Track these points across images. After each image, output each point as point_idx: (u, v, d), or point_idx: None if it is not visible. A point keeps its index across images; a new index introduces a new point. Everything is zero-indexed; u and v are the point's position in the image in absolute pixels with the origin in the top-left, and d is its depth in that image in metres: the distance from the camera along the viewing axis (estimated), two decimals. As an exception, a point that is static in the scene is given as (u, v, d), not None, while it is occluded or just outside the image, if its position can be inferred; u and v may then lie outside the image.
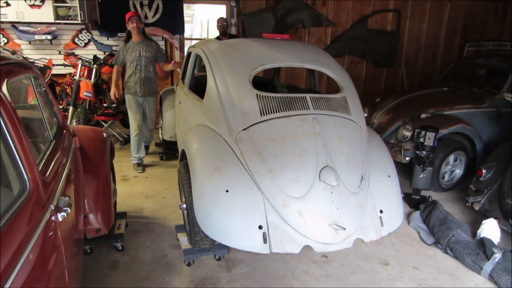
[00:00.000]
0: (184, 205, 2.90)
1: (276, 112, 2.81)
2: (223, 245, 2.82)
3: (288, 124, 2.76)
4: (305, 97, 2.95)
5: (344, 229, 2.47)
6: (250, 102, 2.85)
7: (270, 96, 2.90)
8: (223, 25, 6.08)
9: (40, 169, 1.51)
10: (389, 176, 2.92)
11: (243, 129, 2.76)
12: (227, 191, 2.52)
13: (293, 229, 2.48)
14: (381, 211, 2.72)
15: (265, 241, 2.43)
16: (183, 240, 3.10)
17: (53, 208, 1.47)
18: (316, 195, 2.50)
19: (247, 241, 2.45)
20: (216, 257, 2.98)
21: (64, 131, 2.30)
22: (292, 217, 2.47)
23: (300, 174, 2.55)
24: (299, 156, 2.61)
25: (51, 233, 1.39)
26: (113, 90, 4.68)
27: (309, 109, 2.86)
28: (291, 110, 2.83)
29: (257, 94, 2.88)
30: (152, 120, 5.01)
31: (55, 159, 1.80)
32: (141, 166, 4.87)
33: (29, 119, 2.04)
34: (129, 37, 4.58)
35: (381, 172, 2.91)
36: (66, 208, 1.52)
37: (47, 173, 1.60)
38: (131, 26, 4.49)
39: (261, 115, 2.79)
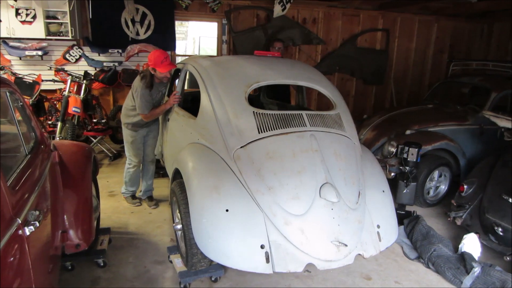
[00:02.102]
0: (179, 226, 2.80)
1: (274, 129, 2.77)
2: (219, 266, 2.77)
3: (286, 141, 2.72)
4: (301, 114, 2.92)
5: (346, 245, 2.45)
6: (247, 119, 2.81)
7: (267, 113, 2.86)
8: (279, 49, 5.19)
9: (9, 183, 1.52)
10: (383, 191, 2.93)
11: (241, 147, 2.71)
12: (227, 210, 2.44)
13: (295, 247, 2.43)
14: (378, 226, 2.72)
15: (267, 260, 2.36)
16: (177, 262, 2.96)
17: (20, 222, 1.47)
18: (317, 212, 2.47)
19: (249, 261, 2.38)
20: (212, 279, 2.89)
21: (42, 146, 2.31)
22: (294, 235, 2.43)
23: (300, 191, 2.51)
24: (298, 173, 2.57)
25: (16, 246, 1.39)
26: (172, 100, 3.79)
27: (306, 126, 2.83)
28: (288, 127, 2.79)
29: (254, 112, 2.84)
30: (154, 149, 4.27)
31: (27, 173, 1.81)
32: (136, 198, 4.31)
33: (2, 134, 2.04)
34: (151, 81, 3.72)
35: (376, 187, 2.91)
36: (34, 222, 1.52)
37: (17, 187, 1.60)
38: (162, 76, 3.69)
39: (259, 133, 2.74)
